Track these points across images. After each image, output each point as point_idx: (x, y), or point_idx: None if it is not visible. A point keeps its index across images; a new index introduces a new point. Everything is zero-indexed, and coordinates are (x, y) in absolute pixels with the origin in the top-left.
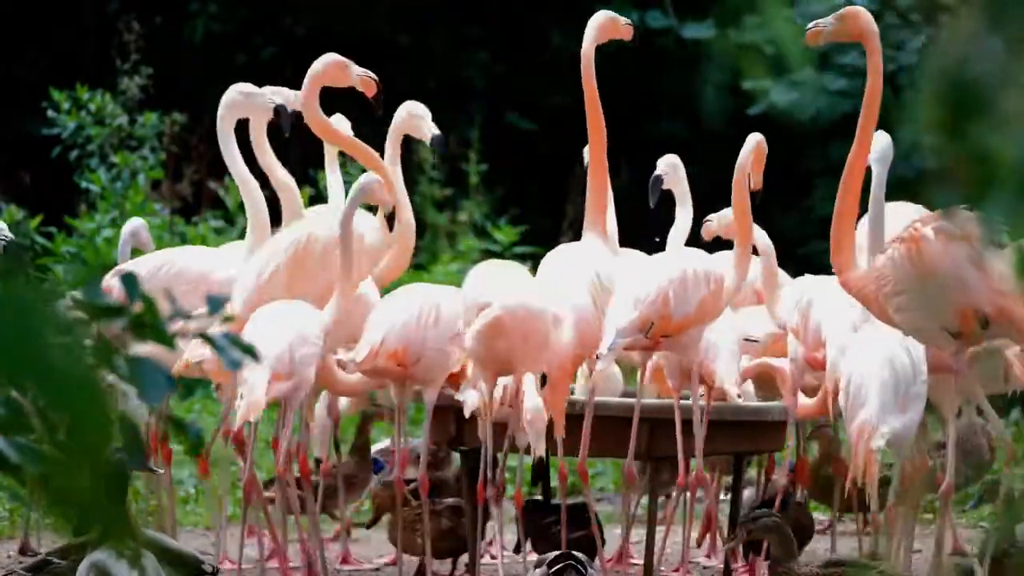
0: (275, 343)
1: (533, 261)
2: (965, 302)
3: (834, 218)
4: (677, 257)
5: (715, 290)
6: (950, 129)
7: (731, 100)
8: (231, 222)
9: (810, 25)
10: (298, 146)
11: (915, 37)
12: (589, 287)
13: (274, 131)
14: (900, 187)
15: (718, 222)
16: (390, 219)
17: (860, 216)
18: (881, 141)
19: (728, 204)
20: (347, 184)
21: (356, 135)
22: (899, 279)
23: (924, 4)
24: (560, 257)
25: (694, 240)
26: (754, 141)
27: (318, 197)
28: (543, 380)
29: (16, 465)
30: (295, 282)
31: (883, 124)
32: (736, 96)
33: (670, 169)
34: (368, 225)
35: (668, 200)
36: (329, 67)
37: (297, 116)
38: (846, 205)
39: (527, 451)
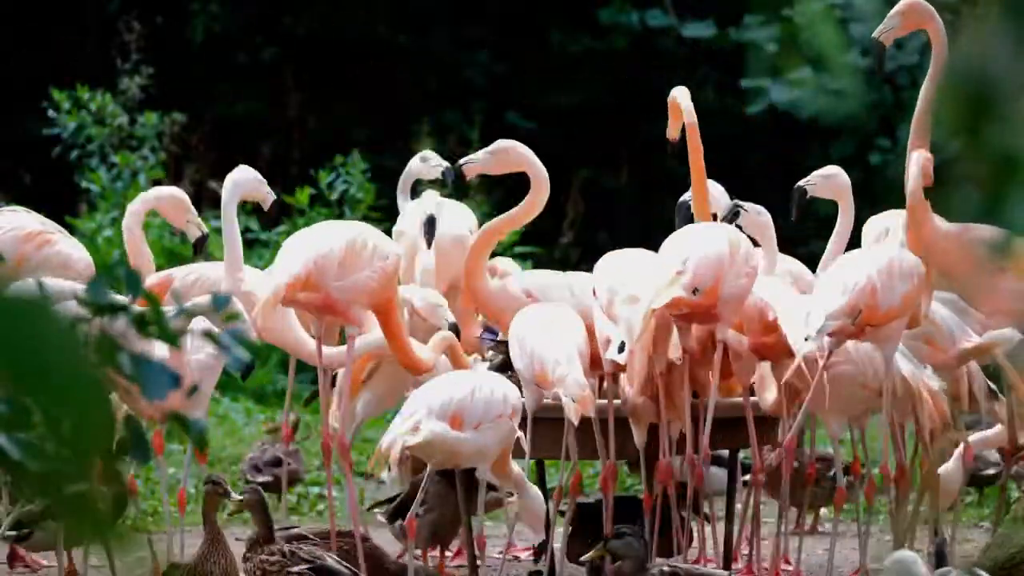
0: (577, 338)
1: (533, 261)
2: None
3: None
4: (884, 249)
5: (917, 284)
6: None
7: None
8: None
9: (876, 34)
10: (299, 146)
11: (915, 37)
12: None
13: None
14: (899, 187)
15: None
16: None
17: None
18: None
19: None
20: (346, 183)
21: (356, 135)
22: None
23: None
24: None
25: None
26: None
27: (318, 197)
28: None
29: (18, 462)
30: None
31: (884, 124)
32: (736, 95)
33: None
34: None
35: (668, 200)
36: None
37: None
38: None
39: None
